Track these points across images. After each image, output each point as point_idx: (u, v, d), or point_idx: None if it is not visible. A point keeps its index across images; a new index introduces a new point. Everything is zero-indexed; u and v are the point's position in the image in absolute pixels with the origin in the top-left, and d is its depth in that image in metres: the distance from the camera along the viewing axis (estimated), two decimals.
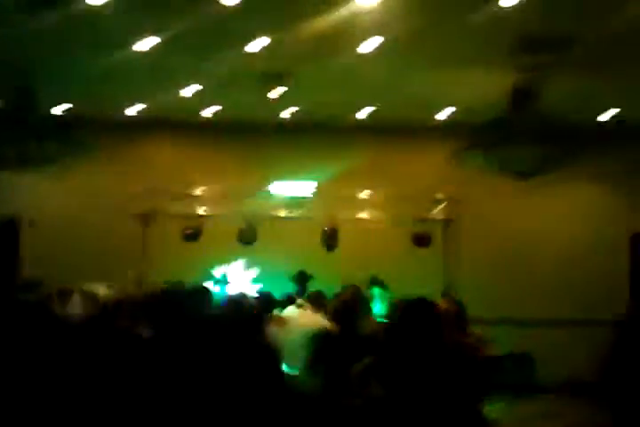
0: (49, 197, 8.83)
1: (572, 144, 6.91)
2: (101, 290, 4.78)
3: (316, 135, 8.21)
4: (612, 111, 7.85)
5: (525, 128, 6.72)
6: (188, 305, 3.54)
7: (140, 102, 8.08)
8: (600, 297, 7.21)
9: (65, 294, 4.70)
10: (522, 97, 6.80)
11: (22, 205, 8.72)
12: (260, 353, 3.32)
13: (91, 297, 3.84)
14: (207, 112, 8.32)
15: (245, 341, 3.24)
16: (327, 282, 6.44)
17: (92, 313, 3.53)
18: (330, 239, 7.21)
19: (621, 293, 7.49)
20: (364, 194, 7.44)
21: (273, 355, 3.42)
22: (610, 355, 4.39)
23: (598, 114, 7.92)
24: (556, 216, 8.21)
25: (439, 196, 7.34)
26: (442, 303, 4.74)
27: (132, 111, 8.34)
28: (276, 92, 7.38)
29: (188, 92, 7.49)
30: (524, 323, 7.41)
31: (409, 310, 2.39)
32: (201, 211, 7.65)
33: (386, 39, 6.16)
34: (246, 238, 7.41)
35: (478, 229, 7.65)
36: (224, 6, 5.35)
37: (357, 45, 6.31)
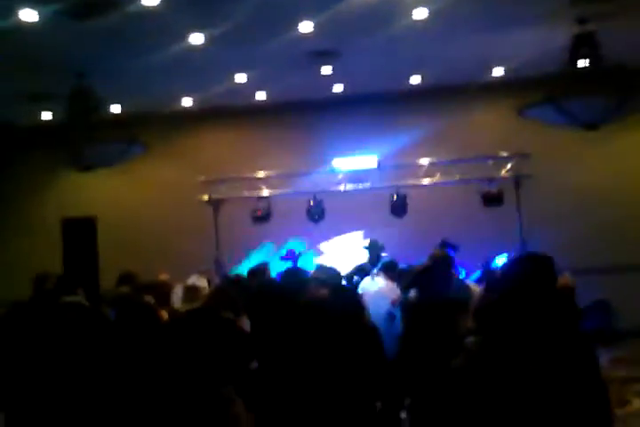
0: (118, 194, 9.14)
1: (634, 91, 6.74)
2: (200, 282, 4.98)
3: (371, 107, 8.22)
4: None
5: (589, 78, 6.58)
6: (288, 292, 3.59)
7: (193, 94, 8.23)
8: None
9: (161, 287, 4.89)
10: (583, 47, 6.64)
11: (97, 204, 9.08)
12: (366, 336, 3.40)
13: (193, 289, 3.98)
14: (259, 96, 8.42)
15: (353, 325, 3.30)
16: (399, 250, 6.52)
17: (196, 305, 3.66)
18: (398, 206, 7.22)
19: None
20: (428, 160, 7.39)
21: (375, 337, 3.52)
22: None
23: None
24: (625, 164, 8.02)
25: (506, 153, 7.22)
26: None
27: (187, 103, 8.51)
28: (325, 70, 7.43)
29: (239, 78, 7.62)
30: (601, 271, 7.34)
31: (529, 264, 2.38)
32: (267, 192, 7.72)
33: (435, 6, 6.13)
34: (315, 215, 7.50)
35: (549, 183, 7.55)
36: None
37: (405, 16, 6.31)
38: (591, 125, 6.89)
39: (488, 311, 2.40)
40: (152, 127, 7.83)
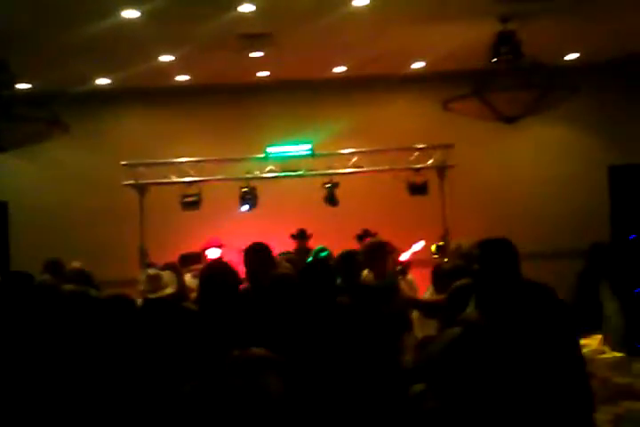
0: (33, 177, 8.66)
1: (552, 87, 7.22)
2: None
3: (302, 95, 8.28)
4: (575, 55, 8.18)
5: (510, 74, 6.97)
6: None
7: (116, 73, 7.87)
8: (584, 228, 7.69)
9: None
10: (505, 44, 7.01)
11: (7, 188, 8.51)
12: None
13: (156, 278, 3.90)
14: (184, 77, 8.20)
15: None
16: (330, 238, 6.68)
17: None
18: (331, 195, 7.37)
19: (603, 222, 8.04)
20: (359, 149, 7.58)
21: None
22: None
23: (564, 56, 8.24)
24: (538, 156, 8.62)
25: (430, 144, 7.55)
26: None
27: (108, 81, 8.12)
28: (256, 54, 7.36)
29: (165, 58, 7.38)
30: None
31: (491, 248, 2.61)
32: (197, 178, 7.59)
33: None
34: (247, 202, 7.49)
35: (470, 173, 7.96)
36: None
37: (346, 4, 6.37)
38: (511, 119, 7.34)
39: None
40: (71, 107, 7.39)
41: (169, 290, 3.54)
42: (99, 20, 6.14)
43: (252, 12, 6.30)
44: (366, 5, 6.32)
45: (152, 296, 3.53)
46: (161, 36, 6.82)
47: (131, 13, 6.07)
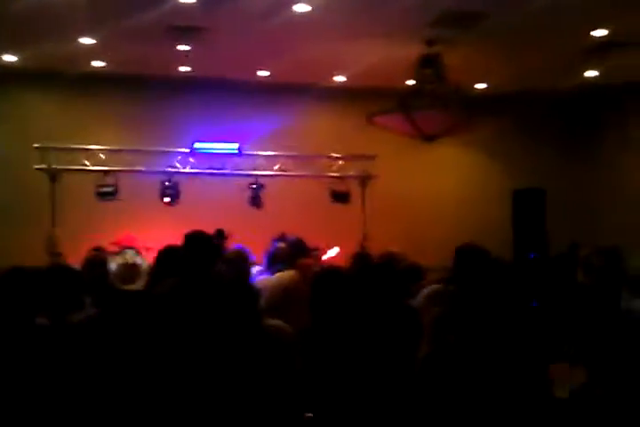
0: None
1: (468, 112, 7.75)
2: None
3: (228, 94, 8.24)
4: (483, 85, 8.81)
5: (431, 94, 7.40)
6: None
7: (24, 51, 7.37)
8: (489, 245, 8.20)
9: None
10: (428, 67, 7.43)
11: None
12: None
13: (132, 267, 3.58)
14: (102, 64, 7.87)
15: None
16: (252, 239, 6.68)
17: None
18: (256, 196, 7.40)
19: (507, 240, 8.61)
20: (285, 153, 7.68)
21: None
22: None
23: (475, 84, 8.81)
24: (449, 175, 9.16)
25: (353, 154, 7.81)
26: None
27: (13, 59, 7.58)
28: (183, 47, 7.28)
29: (85, 41, 7.06)
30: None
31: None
32: (116, 167, 7.32)
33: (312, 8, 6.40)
34: (168, 196, 7.33)
35: (389, 185, 8.28)
36: None
37: (287, 8, 6.50)
38: (431, 137, 7.77)
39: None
40: None
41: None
42: None
43: (191, 4, 6.26)
44: (306, 12, 6.47)
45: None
46: (84, 17, 6.50)
47: None
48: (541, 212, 8.52)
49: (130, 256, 3.36)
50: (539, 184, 8.53)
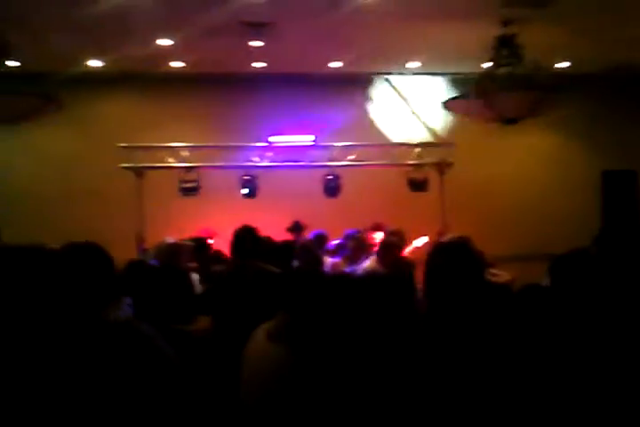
0: (14, 156, 8.43)
1: (550, 91, 7.40)
2: None
3: (304, 88, 8.33)
4: (567, 63, 8.41)
5: (510, 76, 7.14)
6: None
7: (110, 54, 7.71)
8: (576, 231, 7.85)
9: None
10: (505, 47, 7.18)
11: None
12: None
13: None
14: (180, 64, 8.14)
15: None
16: (330, 229, 6.71)
17: None
18: (331, 187, 7.41)
19: (595, 224, 8.20)
20: (360, 143, 7.65)
21: None
22: None
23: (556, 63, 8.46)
24: (530, 159, 8.83)
25: (433, 141, 7.67)
26: None
27: (100, 63, 8.01)
28: (256, 43, 7.38)
29: (164, 42, 7.32)
30: (506, 260, 8.00)
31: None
32: (197, 164, 7.53)
33: None
34: (247, 190, 7.48)
35: (467, 172, 8.10)
36: None
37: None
38: (511, 120, 7.49)
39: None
40: (62, 87, 7.27)
41: None
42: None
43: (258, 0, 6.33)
44: (373, 1, 6.41)
45: None
46: (161, 19, 6.74)
47: None
48: (632, 195, 8.06)
49: None
50: (629, 166, 8.08)
